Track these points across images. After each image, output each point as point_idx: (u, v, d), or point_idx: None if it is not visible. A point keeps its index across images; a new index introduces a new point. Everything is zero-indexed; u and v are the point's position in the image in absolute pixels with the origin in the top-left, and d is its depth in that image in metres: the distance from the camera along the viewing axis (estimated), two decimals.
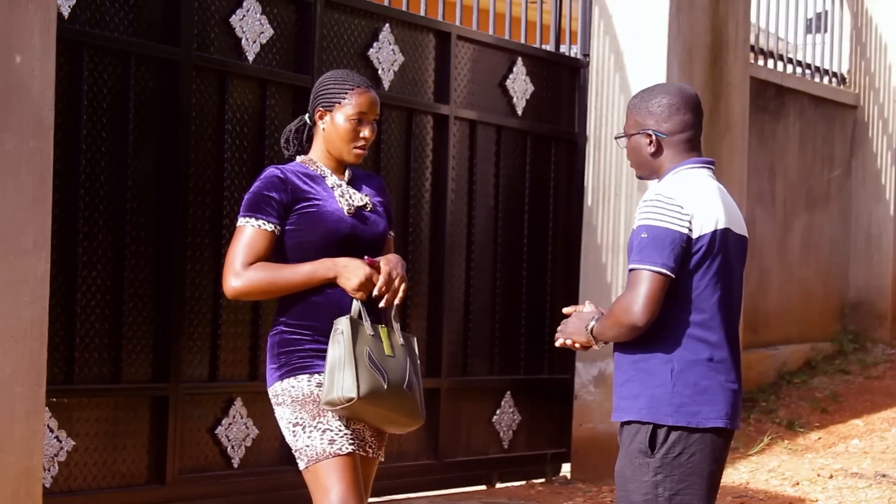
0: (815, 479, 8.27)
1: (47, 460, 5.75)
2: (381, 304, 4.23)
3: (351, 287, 4.19)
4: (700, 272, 3.81)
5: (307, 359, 4.21)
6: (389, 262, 4.26)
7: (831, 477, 8.28)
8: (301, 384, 4.20)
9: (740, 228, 3.97)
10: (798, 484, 8.20)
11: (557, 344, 4.01)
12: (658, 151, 3.95)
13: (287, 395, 4.20)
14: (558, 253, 8.54)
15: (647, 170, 3.99)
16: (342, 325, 4.16)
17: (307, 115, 4.42)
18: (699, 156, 3.98)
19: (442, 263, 7.72)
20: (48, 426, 5.75)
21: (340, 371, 4.11)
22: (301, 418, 4.18)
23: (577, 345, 3.97)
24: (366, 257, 4.25)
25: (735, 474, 8.47)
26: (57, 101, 5.47)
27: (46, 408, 5.61)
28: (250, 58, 6.63)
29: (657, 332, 3.82)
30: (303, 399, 4.19)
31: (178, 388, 6.28)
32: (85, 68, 5.93)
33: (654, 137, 3.93)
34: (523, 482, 8.27)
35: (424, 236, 7.68)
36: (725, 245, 3.86)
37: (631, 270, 3.80)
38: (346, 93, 4.36)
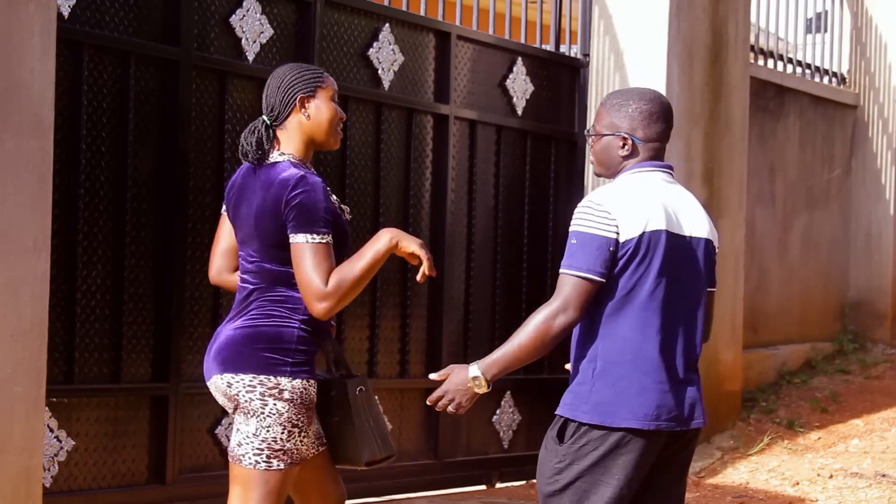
0: (815, 478, 8.27)
1: (47, 460, 5.75)
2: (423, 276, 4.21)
3: (413, 250, 4.16)
4: (628, 274, 3.89)
5: (313, 363, 4.23)
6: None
7: (831, 477, 8.28)
8: (312, 389, 4.19)
9: (692, 230, 4.01)
10: (798, 484, 8.20)
11: (450, 410, 4.00)
12: (631, 155, 4.04)
13: (298, 395, 4.16)
14: (558, 253, 8.54)
15: (611, 170, 4.09)
16: (360, 387, 4.29)
17: (269, 114, 4.29)
18: (660, 160, 4.07)
19: (442, 263, 7.72)
20: (48, 426, 5.75)
21: (373, 434, 4.27)
22: (302, 421, 4.18)
23: (456, 406, 3.98)
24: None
25: (735, 474, 8.47)
26: (57, 101, 5.47)
27: (46, 408, 5.61)
28: (250, 58, 6.64)
29: (587, 332, 3.94)
30: (309, 403, 4.19)
31: (178, 388, 6.28)
32: (85, 68, 5.94)
33: (630, 142, 4.03)
34: (523, 482, 8.26)
35: (424, 236, 7.68)
36: (659, 246, 3.91)
37: (560, 275, 3.91)
38: (321, 76, 4.30)
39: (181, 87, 6.29)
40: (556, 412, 4.00)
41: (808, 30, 11.51)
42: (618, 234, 3.87)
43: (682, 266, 3.97)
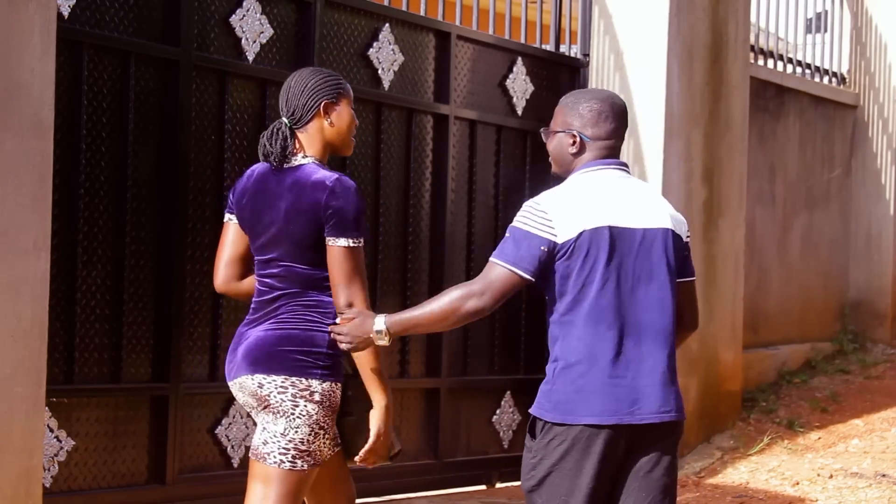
0: (815, 478, 8.27)
1: (47, 460, 5.75)
2: None
3: (376, 445, 4.37)
4: (575, 274, 3.97)
5: (340, 367, 4.30)
6: None
7: (831, 477, 8.28)
8: (338, 391, 4.27)
9: (646, 223, 4.03)
10: (798, 484, 8.20)
11: (344, 348, 4.19)
12: (580, 152, 4.13)
13: (327, 398, 4.23)
14: None
15: (564, 167, 4.18)
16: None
17: (289, 117, 4.33)
18: (613, 158, 4.14)
19: (442, 263, 7.72)
20: (48, 426, 5.75)
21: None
22: (327, 423, 4.25)
23: (350, 348, 4.17)
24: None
25: (735, 474, 8.47)
26: (57, 101, 5.46)
27: (46, 408, 5.61)
28: (250, 58, 6.64)
29: (551, 334, 4.06)
30: (335, 406, 4.26)
31: (178, 388, 6.28)
32: (85, 68, 5.94)
33: (578, 139, 4.11)
34: None
35: (424, 236, 7.68)
36: (603, 244, 3.96)
37: (488, 262, 4.06)
38: (343, 83, 4.39)
39: (181, 87, 6.29)
40: (528, 410, 4.12)
41: (808, 30, 11.52)
42: (555, 235, 3.96)
43: (636, 260, 4.00)
